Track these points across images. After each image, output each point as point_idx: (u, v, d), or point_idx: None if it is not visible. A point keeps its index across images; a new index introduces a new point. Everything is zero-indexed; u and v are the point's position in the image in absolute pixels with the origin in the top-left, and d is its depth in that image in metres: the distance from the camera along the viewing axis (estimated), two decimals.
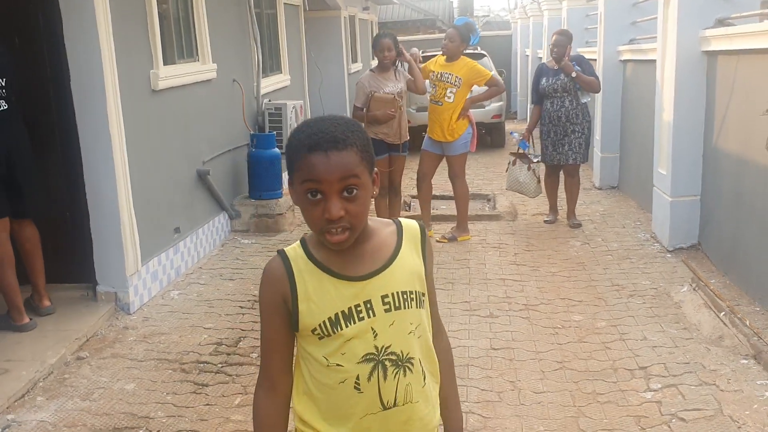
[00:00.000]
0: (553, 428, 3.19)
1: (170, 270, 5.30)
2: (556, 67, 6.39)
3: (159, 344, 4.24)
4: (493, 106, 11.69)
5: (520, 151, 6.67)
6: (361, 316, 1.45)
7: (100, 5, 4.26)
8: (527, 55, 15.84)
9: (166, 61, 5.29)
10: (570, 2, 10.25)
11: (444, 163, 6.32)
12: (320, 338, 1.46)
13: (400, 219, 1.58)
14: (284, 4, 8.68)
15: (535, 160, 6.65)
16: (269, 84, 7.90)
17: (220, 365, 3.95)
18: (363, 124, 5.85)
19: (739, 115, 4.82)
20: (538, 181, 6.65)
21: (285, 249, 1.52)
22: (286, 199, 6.96)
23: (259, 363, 1.59)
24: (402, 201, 6.62)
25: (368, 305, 1.46)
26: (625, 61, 7.86)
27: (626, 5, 7.85)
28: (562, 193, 6.88)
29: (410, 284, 1.50)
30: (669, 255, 5.57)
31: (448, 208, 7.65)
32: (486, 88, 6.13)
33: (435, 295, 1.63)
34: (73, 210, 4.61)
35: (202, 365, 3.95)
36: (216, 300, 5.00)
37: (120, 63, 4.50)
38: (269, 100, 7.72)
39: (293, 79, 9.10)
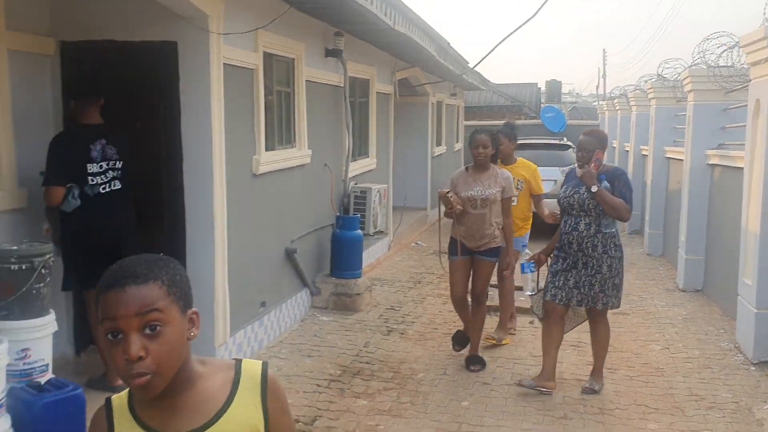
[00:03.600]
0: None
1: (254, 342, 5.55)
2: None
3: None
4: None
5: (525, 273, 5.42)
6: None
7: (215, 99, 4.70)
8: (614, 147, 15.87)
9: (267, 148, 5.70)
10: (659, 101, 10.32)
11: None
12: None
13: (243, 362, 1.43)
14: (377, 93, 9.15)
15: (527, 293, 5.37)
16: (357, 168, 8.28)
17: None
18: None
19: None
20: (541, 319, 5.15)
21: (113, 397, 1.42)
22: (364, 280, 7.19)
23: None
24: (484, 313, 5.57)
25: None
26: (713, 165, 7.83)
27: (716, 110, 7.88)
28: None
29: None
30: (753, 368, 5.41)
31: (527, 300, 7.65)
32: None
33: None
34: None
35: None
36: (294, 376, 5.19)
37: (228, 149, 4.91)
38: (356, 183, 8.08)
39: (379, 163, 9.48)
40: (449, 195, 5.25)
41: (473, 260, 5.38)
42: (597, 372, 5.01)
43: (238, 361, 1.43)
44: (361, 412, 4.57)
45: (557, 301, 4.80)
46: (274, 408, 1.41)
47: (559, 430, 4.33)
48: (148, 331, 1.26)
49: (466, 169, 5.50)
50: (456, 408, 4.66)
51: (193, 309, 1.36)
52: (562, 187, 5.01)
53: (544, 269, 5.12)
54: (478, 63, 10.97)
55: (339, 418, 4.46)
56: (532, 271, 5.21)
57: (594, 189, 4.71)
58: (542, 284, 5.09)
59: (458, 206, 5.24)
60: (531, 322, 6.67)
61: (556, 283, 4.82)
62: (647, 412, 4.62)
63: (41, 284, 3.68)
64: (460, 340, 5.63)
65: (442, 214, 5.45)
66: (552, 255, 4.98)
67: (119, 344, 1.25)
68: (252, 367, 1.42)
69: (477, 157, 5.33)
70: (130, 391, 1.37)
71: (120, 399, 1.40)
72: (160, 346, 1.26)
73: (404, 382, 5.10)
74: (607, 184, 4.77)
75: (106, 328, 1.26)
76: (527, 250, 5.37)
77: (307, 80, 6.57)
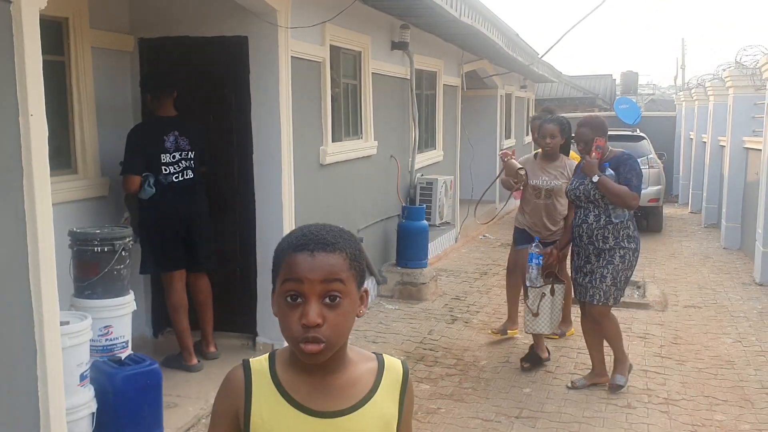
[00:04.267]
0: None
1: None
2: None
3: None
4: (651, 189, 11.42)
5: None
6: None
7: (283, 91, 4.88)
8: (691, 139, 15.41)
9: (334, 139, 5.86)
10: (737, 90, 9.96)
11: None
12: None
13: (384, 356, 1.43)
14: (444, 85, 9.19)
15: (527, 283, 5.01)
16: (423, 159, 8.36)
17: None
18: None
19: None
20: (534, 315, 4.96)
21: (251, 360, 1.40)
22: (430, 269, 7.27)
23: None
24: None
25: None
26: None
27: None
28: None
29: None
30: None
31: None
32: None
33: None
34: (243, 267, 5.16)
35: None
36: None
37: (296, 140, 5.08)
38: (422, 175, 8.15)
39: (446, 155, 9.53)
40: (512, 158, 5.25)
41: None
42: (619, 364, 4.73)
43: (379, 355, 1.42)
44: (423, 395, 4.66)
45: (577, 297, 4.75)
46: (407, 408, 1.43)
47: (622, 419, 4.30)
48: (327, 300, 1.26)
49: (535, 156, 5.41)
50: (518, 394, 4.69)
51: (365, 287, 1.36)
52: (571, 180, 4.82)
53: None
54: (546, 52, 10.79)
55: None
56: (538, 264, 4.91)
57: (595, 179, 4.49)
58: (543, 280, 4.93)
59: (517, 184, 5.25)
60: None
61: (579, 280, 4.68)
62: (714, 403, 4.53)
63: (121, 266, 3.93)
64: (530, 358, 5.16)
65: (500, 174, 5.50)
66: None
67: (297, 308, 1.26)
68: (394, 364, 1.41)
69: (544, 147, 5.25)
70: (271, 358, 1.37)
71: (260, 363, 1.39)
72: (336, 317, 1.26)
73: (467, 368, 5.16)
74: (611, 172, 4.51)
75: (287, 289, 1.27)
76: (538, 239, 5.06)
77: (373, 72, 6.69)
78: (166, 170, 4.61)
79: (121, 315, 3.92)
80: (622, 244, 4.53)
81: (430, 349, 5.59)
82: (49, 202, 2.64)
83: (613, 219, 4.53)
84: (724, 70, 10.93)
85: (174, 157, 4.64)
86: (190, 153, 4.71)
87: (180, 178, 4.67)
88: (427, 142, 8.77)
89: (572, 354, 5.50)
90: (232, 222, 5.17)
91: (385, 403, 1.37)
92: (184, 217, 4.70)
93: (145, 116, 5.01)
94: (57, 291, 2.69)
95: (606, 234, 4.54)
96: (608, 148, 4.63)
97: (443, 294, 7.32)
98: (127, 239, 4.00)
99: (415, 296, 7.03)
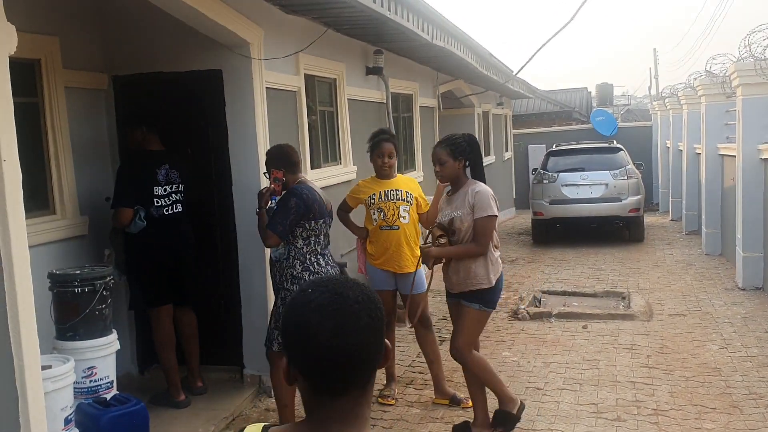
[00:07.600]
0: None
1: None
2: None
3: None
4: (631, 199, 11.54)
5: None
6: None
7: (260, 122, 4.90)
8: (668, 147, 15.60)
9: (313, 165, 5.87)
10: (708, 98, 10.12)
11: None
12: None
13: None
14: (420, 107, 9.26)
15: None
16: None
17: None
18: None
19: None
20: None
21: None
22: None
23: None
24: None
25: None
26: (766, 160, 7.65)
27: (766, 103, 7.71)
28: None
29: None
30: None
31: (580, 305, 7.62)
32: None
33: None
34: (227, 300, 5.14)
35: None
36: None
37: None
38: None
39: (426, 175, 9.56)
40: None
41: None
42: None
43: None
44: (414, 420, 4.64)
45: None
46: None
47: None
48: None
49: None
50: None
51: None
52: None
53: None
54: (520, 69, 11.00)
55: (392, 427, 4.55)
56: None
57: (257, 211, 4.19)
58: None
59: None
60: (584, 327, 6.63)
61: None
62: (703, 411, 4.56)
63: (103, 305, 3.90)
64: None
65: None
66: None
67: None
68: None
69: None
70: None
71: None
72: None
73: (456, 390, 5.15)
74: (273, 207, 4.11)
75: None
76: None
77: (349, 99, 6.73)
78: (158, 203, 4.62)
79: (104, 355, 3.89)
80: (285, 285, 4.05)
81: (420, 372, 5.58)
82: (25, 247, 2.63)
83: (272, 256, 4.16)
84: (695, 79, 11.11)
85: (165, 190, 4.66)
86: (180, 186, 4.74)
87: (170, 211, 4.68)
88: (406, 163, 8.81)
89: (561, 369, 5.51)
90: (214, 254, 5.16)
91: None
92: (173, 251, 4.71)
93: (123, 153, 5.01)
94: (37, 336, 2.67)
95: (273, 272, 4.15)
96: (296, 179, 4.15)
97: (431, 314, 7.28)
98: (108, 278, 3.98)
99: (402, 318, 6.97)
